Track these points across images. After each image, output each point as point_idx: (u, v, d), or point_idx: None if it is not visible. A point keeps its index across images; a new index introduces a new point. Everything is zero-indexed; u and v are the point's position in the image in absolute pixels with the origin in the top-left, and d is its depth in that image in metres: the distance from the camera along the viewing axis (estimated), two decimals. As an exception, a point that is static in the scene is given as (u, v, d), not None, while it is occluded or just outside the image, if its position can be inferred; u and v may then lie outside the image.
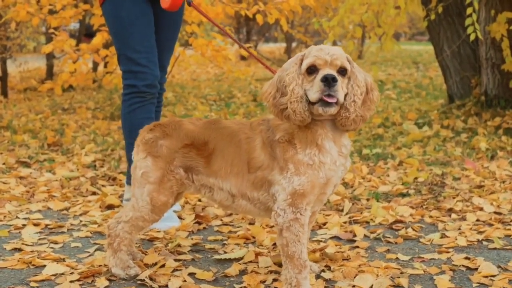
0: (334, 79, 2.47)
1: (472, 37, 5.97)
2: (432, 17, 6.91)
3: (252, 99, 10.35)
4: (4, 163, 5.35)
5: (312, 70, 2.54)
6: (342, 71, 2.55)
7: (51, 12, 7.64)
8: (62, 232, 3.62)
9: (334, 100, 2.49)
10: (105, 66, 8.90)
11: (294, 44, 20.75)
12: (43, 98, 10.72)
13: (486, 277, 2.89)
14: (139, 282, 2.84)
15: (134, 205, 2.89)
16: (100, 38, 6.97)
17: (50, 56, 11.92)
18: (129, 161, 3.69)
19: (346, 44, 7.26)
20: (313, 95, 2.51)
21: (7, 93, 10.84)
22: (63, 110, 9.04)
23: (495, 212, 3.91)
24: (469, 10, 6.00)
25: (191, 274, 2.94)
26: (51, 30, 7.30)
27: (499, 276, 2.88)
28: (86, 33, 13.56)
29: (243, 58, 20.60)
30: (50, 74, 12.26)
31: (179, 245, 3.35)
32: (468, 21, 5.99)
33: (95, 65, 12.26)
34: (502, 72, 7.06)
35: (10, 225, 3.72)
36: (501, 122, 6.82)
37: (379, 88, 11.94)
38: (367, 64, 18.29)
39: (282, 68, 2.65)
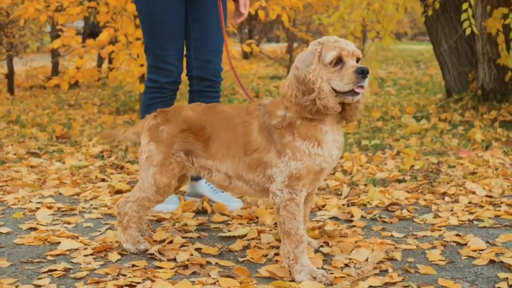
0: (368, 71, 2.61)
1: (468, 31, 6.16)
2: (430, 13, 7.09)
3: (254, 95, 10.54)
4: (15, 154, 5.54)
5: (337, 61, 2.65)
6: (357, 61, 2.69)
7: (57, 9, 7.82)
8: (74, 214, 3.81)
9: (362, 90, 2.64)
10: (110, 62, 9.07)
11: (296, 44, 20.93)
12: (49, 95, 10.92)
13: (475, 251, 3.08)
14: (149, 256, 3.03)
15: (141, 186, 3.08)
16: (106, 34, 7.14)
17: (55, 54, 12.11)
18: None
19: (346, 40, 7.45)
20: (345, 86, 2.63)
21: (13, 91, 11.05)
22: (69, 106, 9.24)
23: (486, 196, 4.09)
24: (464, 6, 6.18)
25: (198, 249, 3.13)
26: (59, 27, 7.48)
27: (487, 250, 3.06)
28: (89, 32, 13.74)
29: (245, 56, 20.84)
30: (55, 71, 12.45)
31: (185, 225, 3.53)
32: (463, 16, 6.17)
33: (100, 63, 12.46)
34: (498, 67, 7.23)
35: (24, 208, 3.91)
36: (497, 115, 6.99)
37: (380, 85, 12.15)
38: (368, 62, 18.46)
39: (296, 67, 2.73)
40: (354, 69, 2.61)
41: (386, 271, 2.84)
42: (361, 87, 2.62)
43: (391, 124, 7.13)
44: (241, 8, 3.89)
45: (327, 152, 2.75)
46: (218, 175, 2.97)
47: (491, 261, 2.94)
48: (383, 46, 22.39)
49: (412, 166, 4.96)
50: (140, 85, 7.64)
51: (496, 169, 4.78)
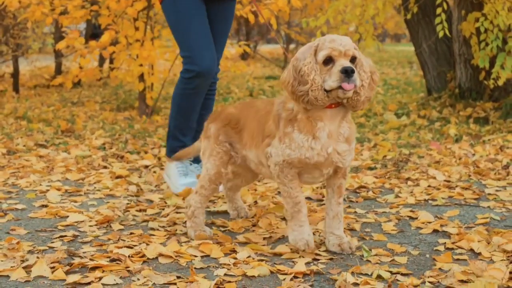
0: (352, 71, 2.83)
1: (441, 34, 6.71)
2: (408, 16, 7.62)
3: (248, 94, 11.07)
4: (24, 145, 6.07)
5: (328, 61, 2.87)
6: (353, 59, 2.91)
7: (62, 12, 8.34)
8: (80, 195, 4.34)
9: (352, 87, 2.84)
10: (111, 62, 9.58)
11: (293, 46, 21.44)
12: (53, 93, 11.44)
13: (423, 223, 3.60)
14: (150, 228, 3.56)
15: (199, 179, 3.51)
16: (107, 36, 7.66)
17: (58, 55, 12.64)
18: (172, 135, 4.36)
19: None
20: (332, 84, 2.85)
21: (18, 89, 11.57)
22: (72, 104, 9.77)
23: (445, 180, 4.60)
24: (438, 10, 6.73)
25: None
26: (64, 29, 8.02)
27: (434, 222, 3.59)
28: (91, 34, 14.26)
29: (243, 58, 21.37)
30: (58, 71, 12.98)
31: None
32: (437, 20, 6.73)
33: (101, 63, 12.99)
34: (474, 67, 7.73)
35: (36, 190, 4.43)
36: (472, 112, 7.50)
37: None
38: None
39: (295, 58, 2.95)
40: (339, 68, 2.83)
41: (345, 238, 3.36)
42: (348, 83, 2.83)
43: (373, 120, 7.65)
44: None
45: (320, 146, 2.98)
46: (251, 163, 3.36)
47: (435, 231, 3.46)
48: (380, 47, 22.65)
49: (385, 156, 5.48)
50: (139, 84, 8.17)
51: (460, 159, 5.30)
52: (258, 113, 3.26)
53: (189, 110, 4.31)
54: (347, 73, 2.82)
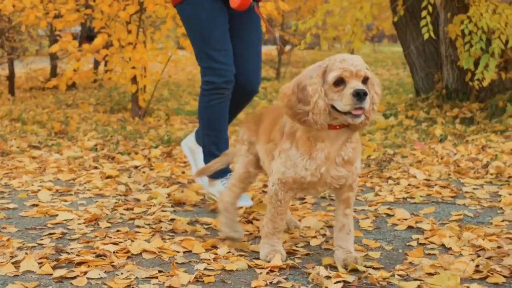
0: (365, 94, 2.66)
1: (426, 36, 6.87)
2: (395, 19, 7.77)
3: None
4: (18, 147, 6.21)
5: (339, 82, 2.72)
6: (365, 80, 2.75)
7: (56, 16, 8.49)
8: (70, 194, 4.47)
9: (360, 112, 2.69)
10: (105, 65, 9.71)
11: (288, 47, 21.55)
12: (48, 96, 11.58)
13: (399, 219, 3.74)
14: (136, 225, 3.70)
15: (232, 176, 3.57)
16: (100, 39, 7.81)
17: (53, 57, 12.78)
18: (208, 152, 4.12)
19: (321, 43, 8.16)
20: (344, 107, 2.70)
21: (14, 92, 11.71)
22: (67, 106, 9.91)
23: (425, 179, 4.74)
24: (423, 13, 6.88)
25: (172, 220, 3.78)
26: (57, 32, 8.17)
27: (410, 219, 3.72)
28: (86, 36, 14.41)
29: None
30: (53, 74, 13.12)
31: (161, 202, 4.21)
32: (422, 23, 6.88)
33: (96, 65, 13.12)
34: (460, 68, 7.88)
35: (28, 190, 4.57)
36: (458, 112, 7.65)
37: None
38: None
39: (302, 74, 2.83)
40: (351, 91, 2.68)
41: (324, 234, 3.50)
42: (360, 108, 2.69)
43: (362, 121, 7.78)
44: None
45: (314, 167, 2.88)
46: (260, 157, 3.34)
47: (410, 227, 3.60)
48: (375, 48, 22.98)
49: (369, 156, 5.62)
50: (132, 86, 8.30)
51: (442, 158, 5.44)
52: (273, 112, 3.26)
53: (220, 121, 4.10)
54: (359, 96, 2.67)
